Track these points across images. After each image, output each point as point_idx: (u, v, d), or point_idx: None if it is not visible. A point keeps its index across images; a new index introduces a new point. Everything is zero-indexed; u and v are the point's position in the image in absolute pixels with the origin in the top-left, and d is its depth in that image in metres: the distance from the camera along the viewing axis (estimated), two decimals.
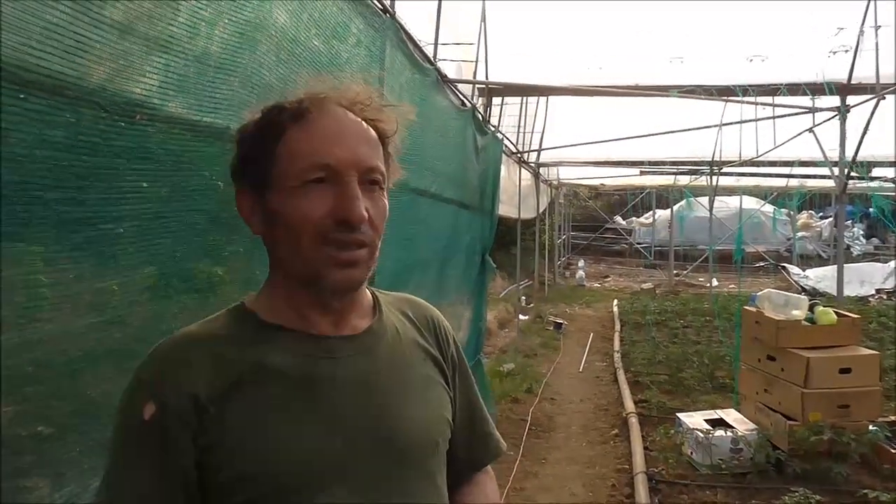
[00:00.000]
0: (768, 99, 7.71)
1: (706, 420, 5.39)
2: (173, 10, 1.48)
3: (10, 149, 1.11)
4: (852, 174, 7.26)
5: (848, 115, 6.90)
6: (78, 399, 1.43)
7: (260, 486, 0.96)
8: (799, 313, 5.27)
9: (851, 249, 19.73)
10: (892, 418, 5.29)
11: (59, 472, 1.35)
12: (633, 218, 24.64)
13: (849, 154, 6.91)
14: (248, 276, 1.95)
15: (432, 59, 4.22)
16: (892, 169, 12.15)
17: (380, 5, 2.99)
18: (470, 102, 5.47)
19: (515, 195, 10.49)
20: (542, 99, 11.04)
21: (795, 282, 15.35)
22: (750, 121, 9.07)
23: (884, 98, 6.38)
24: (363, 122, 1.07)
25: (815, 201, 21.73)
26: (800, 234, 21.00)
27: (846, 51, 6.96)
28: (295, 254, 1.03)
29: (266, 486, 0.96)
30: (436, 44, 4.65)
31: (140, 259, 1.54)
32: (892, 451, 4.81)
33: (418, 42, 3.77)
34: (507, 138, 8.92)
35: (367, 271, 1.07)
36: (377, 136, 1.09)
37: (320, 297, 1.07)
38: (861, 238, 21.67)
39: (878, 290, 14.24)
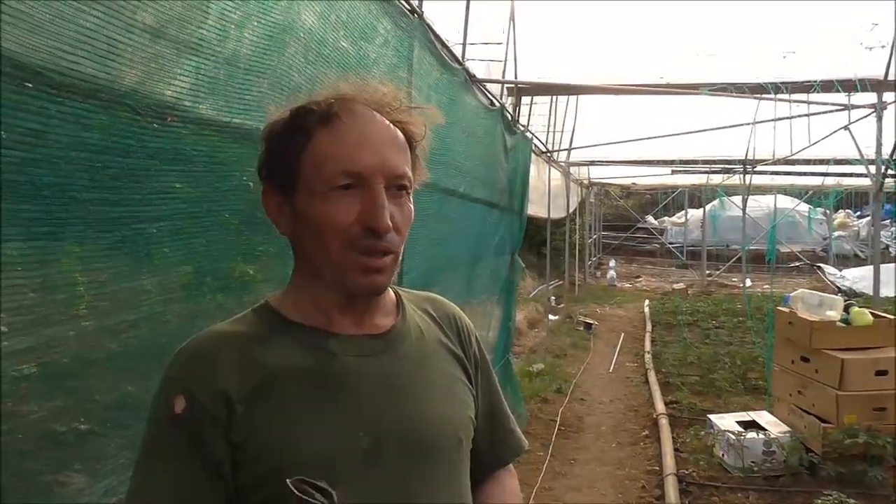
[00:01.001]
0: (802, 96, 7.58)
1: (738, 422, 5.33)
2: (203, 14, 1.51)
3: (49, 150, 1.15)
4: (889, 172, 7.10)
5: (884, 112, 6.77)
6: (116, 394, 1.46)
7: (279, 484, 0.96)
8: (833, 314, 5.18)
9: (889, 249, 19.31)
10: None
11: (96, 466, 1.39)
12: (665, 217, 24.37)
13: (885, 152, 6.78)
14: (280, 274, 1.98)
15: (460, 59, 4.23)
16: None
17: (408, 6, 3.00)
18: (499, 102, 5.47)
19: (545, 195, 10.45)
20: (572, 98, 10.99)
21: (832, 282, 15.06)
22: (783, 118, 8.91)
23: None
24: (391, 125, 1.07)
25: (852, 200, 21.32)
26: (837, 233, 20.62)
27: (882, 46, 6.83)
28: (321, 257, 1.04)
29: (284, 484, 0.96)
30: (464, 44, 4.67)
31: (174, 258, 1.57)
32: None
33: (446, 42, 3.78)
34: (537, 137, 8.90)
35: (391, 276, 1.08)
36: (405, 138, 1.09)
37: (345, 299, 1.08)
38: None
39: None
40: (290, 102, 1.10)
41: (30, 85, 1.10)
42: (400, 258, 1.09)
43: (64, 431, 1.37)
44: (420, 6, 3.16)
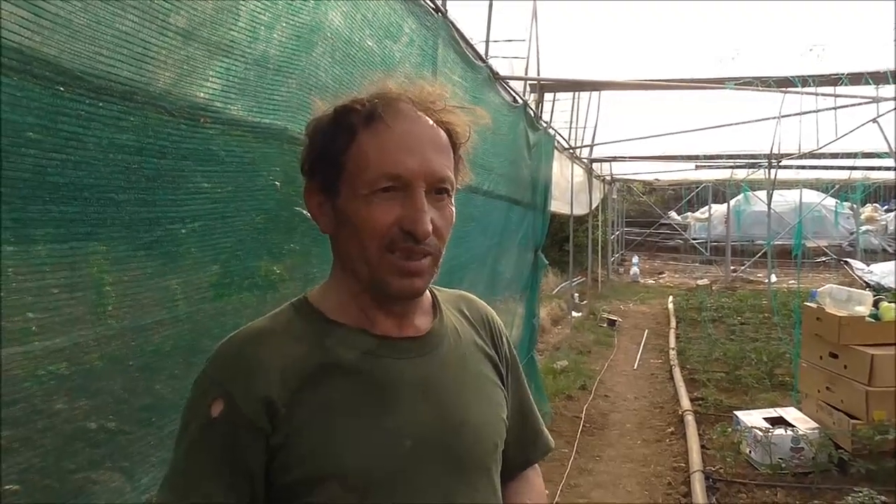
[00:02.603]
0: (829, 89, 7.48)
1: (765, 418, 5.28)
2: (234, 16, 1.53)
3: (86, 152, 1.17)
4: None
5: None
6: (149, 394, 1.48)
7: (330, 486, 0.97)
8: (862, 309, 5.11)
9: None
10: None
11: (131, 465, 1.41)
12: (689, 213, 24.18)
13: None
14: (305, 272, 2.00)
15: (484, 56, 4.23)
16: None
17: (432, 4, 3.01)
18: (521, 99, 5.46)
19: (568, 191, 10.42)
20: (595, 94, 10.95)
21: (859, 277, 14.85)
22: (810, 112, 8.81)
23: None
24: (435, 126, 1.06)
25: (880, 193, 21.01)
26: (864, 227, 20.32)
27: None
28: (361, 258, 1.04)
29: (336, 486, 0.97)
30: (487, 41, 4.67)
31: (205, 257, 1.60)
32: None
33: (470, 40, 3.79)
34: (560, 134, 8.87)
35: (430, 279, 1.08)
36: (449, 139, 1.08)
37: (384, 300, 1.08)
38: None
39: None
40: (333, 99, 1.09)
41: (63, 89, 1.12)
42: (440, 261, 1.08)
43: (95, 429, 1.39)
44: (444, 5, 3.17)
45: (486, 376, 1.20)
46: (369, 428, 1.01)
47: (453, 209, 1.09)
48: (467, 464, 1.09)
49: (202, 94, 1.46)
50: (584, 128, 11.66)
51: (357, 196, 1.02)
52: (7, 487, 1.14)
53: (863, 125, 7.84)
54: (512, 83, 5.31)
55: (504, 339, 1.31)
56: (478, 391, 1.17)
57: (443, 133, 1.07)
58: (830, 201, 19.59)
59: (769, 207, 14.91)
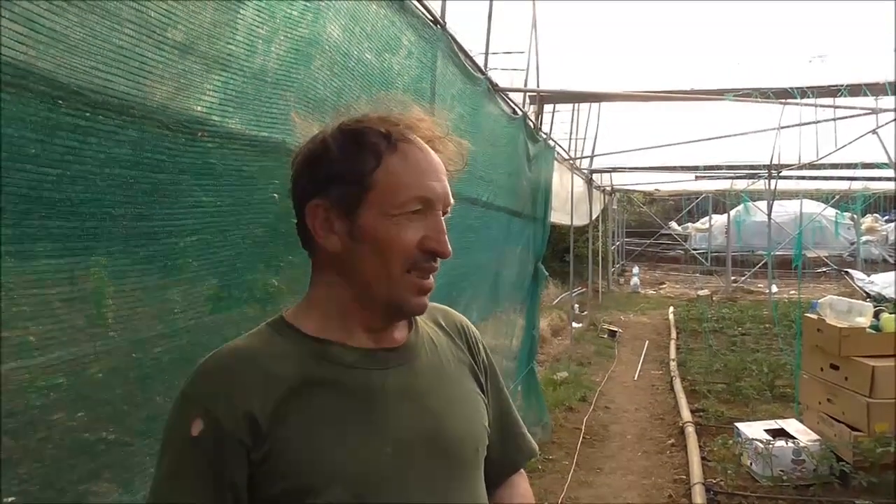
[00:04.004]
0: (829, 101, 7.49)
1: (766, 430, 5.26)
2: (231, 30, 1.54)
3: (83, 167, 1.17)
4: None
5: None
6: (148, 406, 1.48)
7: (314, 495, 0.99)
8: (863, 320, 5.10)
9: None
10: None
11: (128, 477, 1.41)
12: (689, 223, 24.19)
13: None
14: (305, 285, 2.00)
15: (483, 68, 4.24)
16: None
17: (431, 17, 3.02)
18: (521, 110, 5.47)
19: (568, 202, 10.42)
20: (595, 105, 10.97)
21: (860, 287, 14.83)
22: (809, 123, 8.82)
23: None
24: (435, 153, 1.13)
25: (880, 204, 21.02)
26: (864, 238, 20.32)
27: None
28: (380, 277, 1.07)
29: (320, 496, 0.99)
30: (486, 53, 4.68)
31: (203, 270, 1.59)
32: None
33: (469, 52, 3.80)
34: (559, 145, 8.88)
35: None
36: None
37: (381, 316, 1.12)
38: None
39: None
40: (332, 112, 1.13)
41: (62, 103, 1.13)
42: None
43: (94, 441, 1.39)
44: (443, 17, 3.18)
45: (464, 383, 1.23)
46: (354, 436, 1.04)
47: None
48: (451, 469, 1.12)
49: (200, 108, 1.47)
50: (584, 139, 11.67)
51: (385, 215, 1.06)
52: (7, 500, 1.14)
53: (862, 136, 7.85)
54: (511, 95, 5.33)
55: (481, 347, 1.33)
56: (456, 397, 1.20)
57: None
58: (831, 212, 19.60)
59: (769, 218, 14.91)
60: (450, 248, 1.09)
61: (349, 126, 1.10)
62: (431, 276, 1.10)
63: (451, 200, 1.12)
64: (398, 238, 1.05)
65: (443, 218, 1.11)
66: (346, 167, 1.07)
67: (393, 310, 1.11)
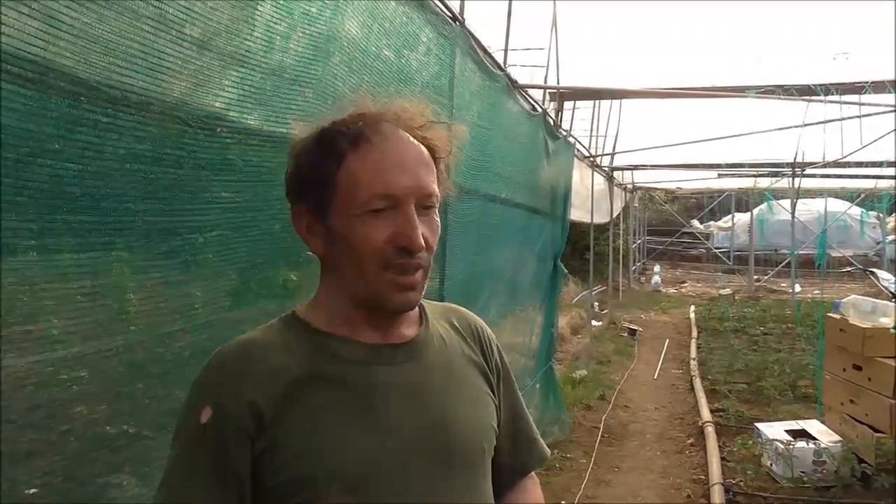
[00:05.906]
0: (853, 98, 7.39)
1: (787, 431, 5.20)
2: (249, 26, 1.55)
3: (104, 162, 1.18)
4: None
5: None
6: (168, 400, 1.49)
7: (314, 487, 1.00)
8: (887, 321, 5.03)
9: None
10: None
11: (148, 471, 1.42)
12: (711, 222, 23.97)
13: None
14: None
15: (502, 65, 4.23)
16: None
17: (450, 13, 3.02)
18: (541, 107, 5.46)
19: (588, 199, 10.37)
20: (615, 102, 10.91)
21: (885, 288, 14.60)
22: (834, 120, 8.70)
23: None
24: (417, 143, 1.09)
25: None
26: (890, 237, 20.02)
27: None
28: (357, 277, 1.07)
29: (320, 488, 1.00)
30: (506, 49, 4.67)
31: (223, 265, 1.61)
32: None
33: (488, 48, 3.79)
34: (579, 142, 8.84)
35: (422, 292, 1.12)
36: (430, 154, 1.11)
37: (375, 314, 1.11)
38: None
39: None
40: (318, 118, 1.12)
41: (83, 99, 1.14)
42: (429, 273, 1.12)
43: (115, 435, 1.40)
44: (462, 14, 3.17)
45: (473, 383, 1.22)
46: (358, 429, 1.04)
47: (439, 221, 1.12)
48: (453, 467, 1.11)
49: (218, 104, 1.48)
50: (605, 136, 11.62)
51: (350, 216, 1.05)
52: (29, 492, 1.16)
53: (888, 134, 7.74)
54: (531, 92, 5.31)
55: (495, 349, 1.32)
56: (464, 396, 1.19)
57: (424, 149, 1.10)
58: (856, 210, 19.33)
59: (793, 216, 14.75)
60: (420, 242, 1.04)
61: (321, 128, 1.10)
62: (417, 272, 1.07)
63: (433, 190, 1.08)
64: (365, 237, 1.04)
65: (435, 210, 1.10)
66: (314, 170, 1.07)
67: (377, 307, 1.09)
